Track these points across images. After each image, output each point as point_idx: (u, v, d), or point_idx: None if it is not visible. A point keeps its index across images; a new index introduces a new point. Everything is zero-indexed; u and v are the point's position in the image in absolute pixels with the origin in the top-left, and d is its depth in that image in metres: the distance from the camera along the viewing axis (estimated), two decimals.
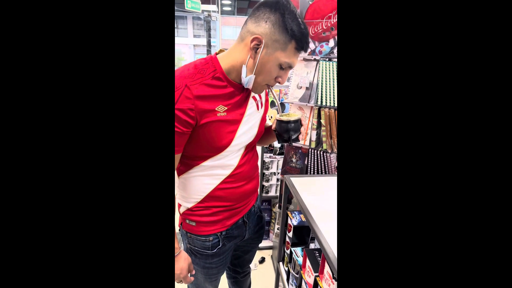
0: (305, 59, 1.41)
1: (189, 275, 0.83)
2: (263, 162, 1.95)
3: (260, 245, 2.09)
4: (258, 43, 0.65)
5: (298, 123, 0.78)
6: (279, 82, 0.72)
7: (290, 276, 1.23)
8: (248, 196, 0.89)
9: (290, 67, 0.70)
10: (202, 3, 4.36)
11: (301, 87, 1.40)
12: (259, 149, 1.99)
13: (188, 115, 0.65)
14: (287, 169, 1.56)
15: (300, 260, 1.13)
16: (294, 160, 1.54)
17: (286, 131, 0.78)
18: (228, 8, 6.19)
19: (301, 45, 0.67)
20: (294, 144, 1.50)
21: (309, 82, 1.36)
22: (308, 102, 1.37)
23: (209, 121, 0.69)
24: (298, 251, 1.18)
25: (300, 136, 0.81)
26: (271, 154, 1.97)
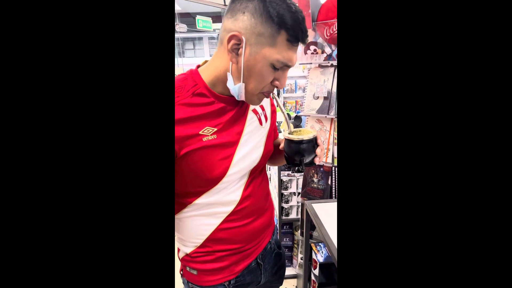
0: (320, 66, 1.25)
1: None
2: (280, 181, 1.77)
3: None
4: (238, 42, 0.51)
5: (312, 143, 0.62)
6: (276, 87, 0.56)
7: None
8: (261, 234, 0.72)
9: (288, 66, 0.53)
10: (213, 21, 4.41)
11: (318, 97, 1.24)
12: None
13: None
14: (308, 191, 1.37)
15: None
16: (315, 180, 1.35)
17: (297, 153, 0.62)
18: None
19: (295, 35, 0.50)
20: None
21: (327, 91, 1.19)
22: (328, 114, 1.19)
23: (193, 149, 0.54)
24: None
25: (316, 159, 0.64)
26: (289, 172, 1.79)
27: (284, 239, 1.93)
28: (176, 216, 0.65)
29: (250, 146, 0.63)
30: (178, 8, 4.73)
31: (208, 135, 0.55)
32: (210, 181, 0.58)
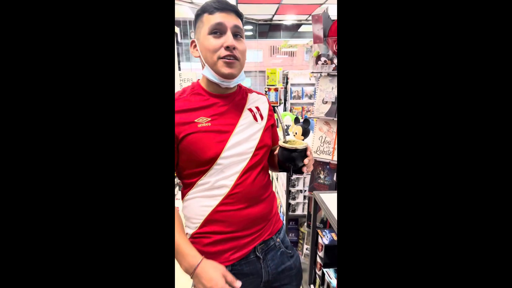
0: (329, 75, 1.42)
1: (236, 283, 0.65)
2: (288, 179, 1.92)
3: None
4: (195, 43, 0.74)
5: (303, 153, 0.71)
6: (228, 49, 0.68)
7: None
8: (257, 224, 0.76)
9: (220, 25, 0.68)
10: None
11: (326, 102, 1.40)
12: None
13: None
14: (315, 186, 1.52)
15: (333, 282, 1.06)
16: (322, 176, 1.50)
17: (288, 160, 0.72)
18: (250, 33, 6.52)
19: (211, 7, 0.68)
20: (319, 160, 1.46)
21: (334, 97, 1.36)
22: (335, 117, 1.35)
23: (189, 133, 0.69)
24: (330, 273, 1.11)
25: (304, 168, 0.72)
26: None
27: (290, 234, 2.06)
28: (185, 198, 0.76)
29: (244, 136, 0.73)
30: (192, 16, 4.98)
31: (202, 123, 0.69)
32: (206, 161, 0.69)
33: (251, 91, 0.86)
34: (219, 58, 0.69)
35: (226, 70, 0.69)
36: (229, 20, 0.68)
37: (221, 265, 0.67)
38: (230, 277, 0.66)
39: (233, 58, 0.69)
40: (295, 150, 0.70)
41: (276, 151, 0.77)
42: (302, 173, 0.73)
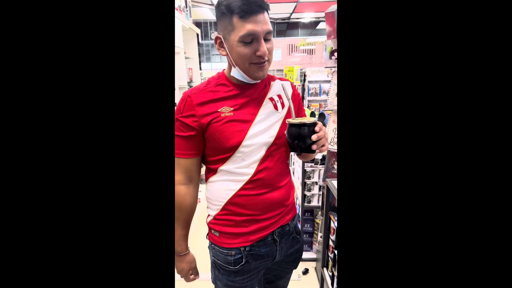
0: None
1: (191, 276, 0.85)
2: (304, 171, 1.99)
3: (303, 256, 2.08)
4: (220, 40, 0.72)
5: (311, 128, 0.64)
6: (260, 56, 0.69)
7: (335, 279, 1.23)
8: (276, 208, 0.80)
9: (253, 34, 0.66)
10: None
11: None
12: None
13: (190, 120, 0.72)
14: (329, 176, 1.59)
15: None
16: (335, 167, 1.57)
17: (296, 137, 0.65)
18: None
19: (242, 11, 0.64)
20: (332, 150, 1.52)
21: None
22: None
23: (213, 122, 0.72)
24: None
25: (314, 146, 0.65)
26: (312, 164, 2.01)
27: (306, 225, 2.13)
28: (209, 181, 0.80)
29: (264, 126, 0.75)
30: (213, 18, 5.16)
31: (225, 112, 0.72)
32: (229, 149, 0.72)
33: (274, 78, 0.86)
34: (251, 63, 0.70)
35: (258, 74, 0.73)
36: (262, 26, 0.67)
37: (194, 262, 0.86)
38: (195, 272, 0.87)
39: (264, 62, 0.72)
40: (303, 124, 0.64)
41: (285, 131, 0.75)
42: (312, 151, 0.66)
